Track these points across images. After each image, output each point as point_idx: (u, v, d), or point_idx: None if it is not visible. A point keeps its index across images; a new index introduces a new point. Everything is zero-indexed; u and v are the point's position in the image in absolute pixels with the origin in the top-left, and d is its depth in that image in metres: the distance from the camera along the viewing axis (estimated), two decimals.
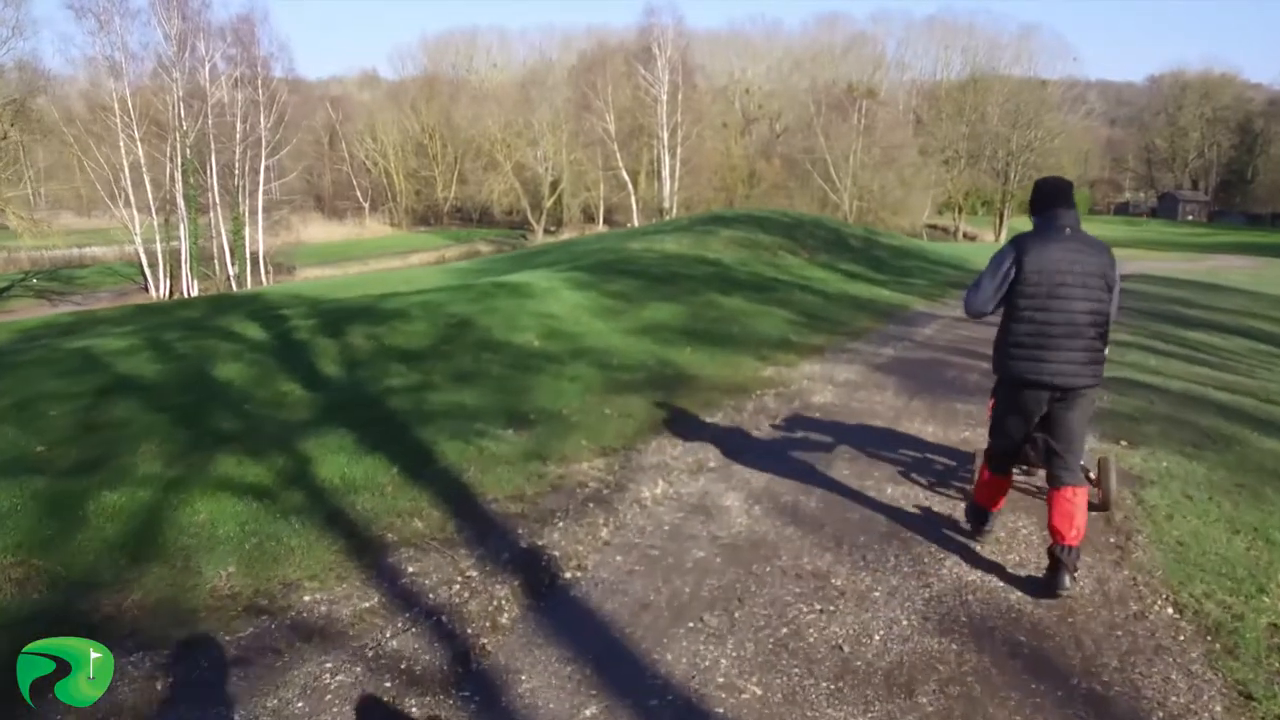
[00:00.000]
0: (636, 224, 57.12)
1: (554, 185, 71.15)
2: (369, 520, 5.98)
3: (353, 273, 53.88)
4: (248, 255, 51.21)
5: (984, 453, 5.55)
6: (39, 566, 5.47)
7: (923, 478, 6.84)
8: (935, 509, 6.19)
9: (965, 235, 73.10)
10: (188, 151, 48.78)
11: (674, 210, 59.56)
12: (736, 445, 7.65)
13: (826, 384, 9.98)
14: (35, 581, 5.29)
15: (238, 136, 50.26)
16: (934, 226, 71.31)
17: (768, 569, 5.19)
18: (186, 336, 12.15)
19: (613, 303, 13.75)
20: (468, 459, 7.12)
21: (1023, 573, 5.19)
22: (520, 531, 5.75)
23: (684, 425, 8.18)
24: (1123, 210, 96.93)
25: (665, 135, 61.03)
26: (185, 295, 48.44)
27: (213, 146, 49.31)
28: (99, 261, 59.55)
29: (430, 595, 4.95)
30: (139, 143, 47.43)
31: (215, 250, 51.22)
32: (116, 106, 46.71)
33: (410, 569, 5.27)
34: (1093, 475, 6.20)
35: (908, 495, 6.47)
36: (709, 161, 66.08)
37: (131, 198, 47.94)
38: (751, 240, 21.78)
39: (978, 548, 5.53)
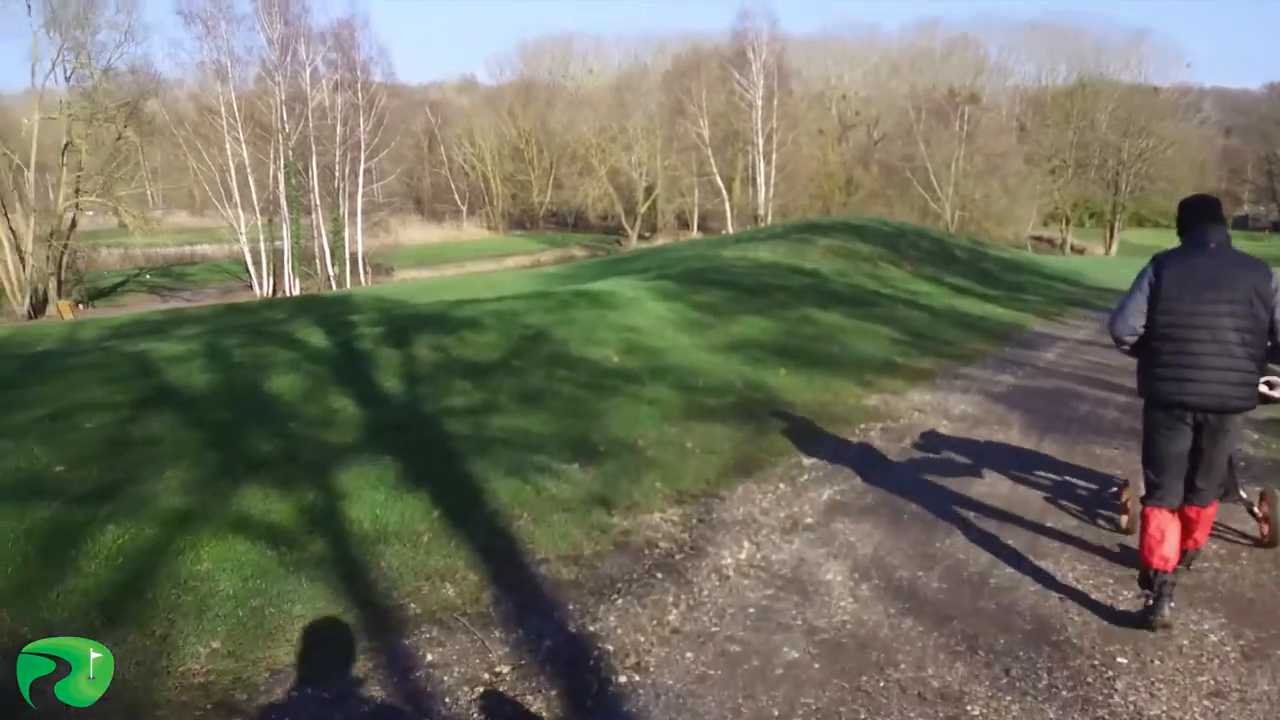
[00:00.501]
0: (731, 231, 55.82)
1: (648, 191, 70.15)
2: (394, 582, 4.93)
3: (449, 274, 53.91)
4: (347, 256, 51.43)
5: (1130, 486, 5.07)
6: (4, 623, 4.57)
7: (1072, 549, 5.46)
8: (1094, 595, 4.82)
9: (1073, 248, 69.69)
10: (290, 153, 49.20)
11: (769, 217, 58.01)
12: (838, 496, 6.37)
13: (940, 417, 8.58)
14: (15, 639, 4.39)
15: (338, 139, 50.49)
16: (1039, 239, 68.11)
17: (881, 683, 3.92)
18: (247, 343, 11.38)
19: (700, 315, 12.53)
20: (522, 502, 6.03)
21: (1223, 706, 3.83)
22: (570, 608, 4.61)
23: (776, 466, 6.92)
24: (1242, 224, 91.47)
25: (760, 141, 59.36)
26: (287, 294, 48.96)
27: (313, 149, 49.63)
28: (208, 259, 60.77)
29: (445, 700, 3.84)
30: (244, 145, 47.99)
31: (316, 250, 51.61)
32: (223, 109, 47.36)
33: (429, 657, 4.18)
34: (1258, 510, 5.47)
35: (1055, 574, 5.09)
36: (805, 168, 64.24)
37: (237, 198, 48.59)
38: (850, 250, 20.36)
39: (1157, 660, 4.17)
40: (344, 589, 4.82)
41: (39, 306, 43.76)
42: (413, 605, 4.67)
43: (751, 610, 4.59)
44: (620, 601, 4.68)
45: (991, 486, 6.58)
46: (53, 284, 44.72)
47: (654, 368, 9.89)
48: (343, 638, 4.34)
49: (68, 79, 45.93)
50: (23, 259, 43.82)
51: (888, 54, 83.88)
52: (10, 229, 43.77)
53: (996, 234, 55.26)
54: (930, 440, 7.76)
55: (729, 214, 61.28)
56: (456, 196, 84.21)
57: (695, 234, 64.07)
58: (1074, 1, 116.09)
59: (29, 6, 43.93)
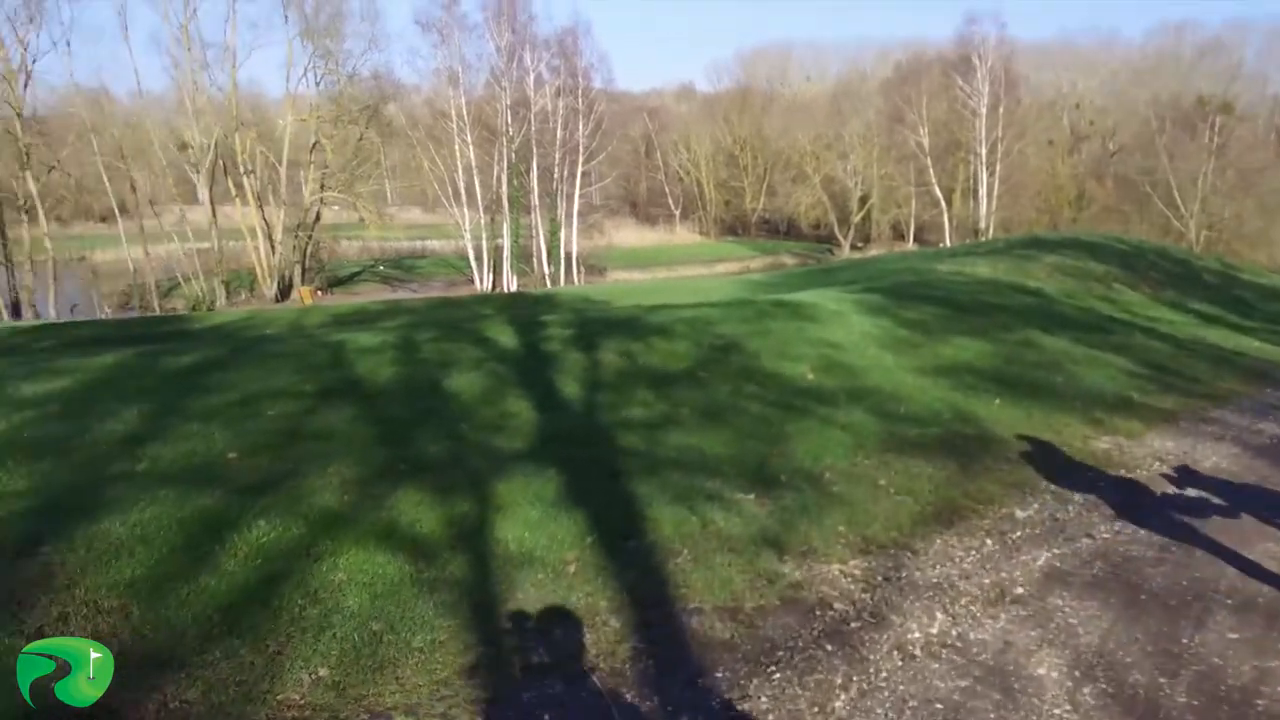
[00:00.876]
0: (948, 244, 53.08)
1: (863, 200, 67.96)
2: (527, 618, 4.36)
3: (659, 277, 54.17)
4: (562, 255, 52.53)
5: None
6: (130, 619, 4.33)
7: None
8: None
9: None
10: (513, 156, 50.73)
11: (990, 231, 54.76)
12: (1058, 562, 5.27)
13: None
14: (111, 639, 4.14)
15: (558, 143, 51.62)
16: None
17: None
18: (439, 338, 11.28)
19: (908, 333, 11.43)
20: (684, 535, 5.34)
21: None
22: (718, 676, 3.87)
23: (983, 518, 5.88)
24: None
25: (983, 151, 56.06)
26: (505, 289, 50.58)
27: (534, 151, 50.96)
28: (436, 254, 63.76)
29: None
30: (471, 146, 49.91)
31: (534, 249, 53.01)
32: (453, 113, 49.42)
33: (545, 717, 3.56)
34: None
35: None
36: (1031, 180, 60.21)
37: (464, 197, 50.59)
38: (1080, 269, 18.43)
39: None
40: (470, 622, 4.30)
41: (285, 291, 47.10)
42: (541, 651, 4.08)
43: (939, 706, 3.68)
44: (778, 676, 3.88)
45: (1254, 566, 5.28)
46: (297, 271, 48.03)
47: (852, 389, 8.97)
48: (450, 685, 3.79)
49: (318, 84, 49.31)
50: (273, 247, 47.34)
51: (1128, 60, 77.63)
52: (264, 219, 47.34)
53: (1249, 257, 49.72)
54: (1176, 498, 6.43)
55: (947, 226, 58.29)
56: (670, 201, 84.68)
57: (910, 246, 61.45)
58: None
59: (286, 18, 47.31)
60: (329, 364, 9.85)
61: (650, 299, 19.32)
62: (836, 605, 4.55)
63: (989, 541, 5.46)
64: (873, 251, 58.65)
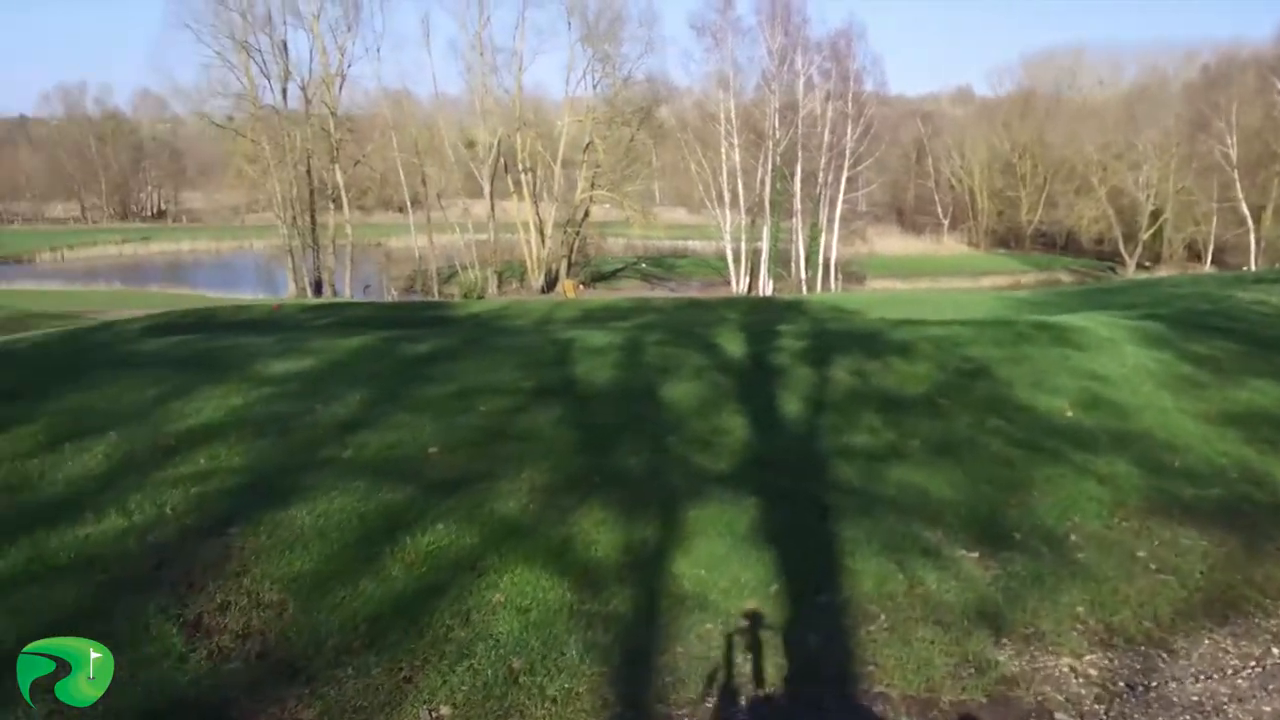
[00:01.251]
0: (1253, 268, 47.01)
1: (1154, 215, 61.57)
2: (679, 679, 3.77)
3: (920, 288, 51.78)
4: (820, 261, 51.29)
5: None
6: (282, 617, 4.14)
7: None
8: None
9: None
10: (778, 159, 50.04)
11: None
12: None
13: None
14: (259, 637, 3.95)
15: (824, 147, 50.36)
16: None
17: None
18: (666, 341, 10.90)
19: (1193, 370, 9.74)
20: (885, 597, 4.55)
21: None
22: None
23: (1270, 616, 4.58)
24: None
25: None
26: (759, 293, 50.15)
27: (800, 155, 50.00)
28: (697, 254, 64.29)
29: None
30: (737, 149, 49.72)
31: (792, 254, 52.09)
32: (721, 116, 49.40)
33: None
34: None
35: None
36: None
37: (726, 198, 50.55)
38: None
39: None
40: (617, 673, 3.77)
41: (551, 283, 48.96)
42: None
43: None
44: None
45: None
46: (564, 265, 49.81)
47: (1116, 432, 7.66)
48: None
49: (594, 86, 50.76)
50: (544, 241, 49.34)
51: None
52: (538, 215, 49.48)
53: None
54: None
55: (1253, 248, 51.54)
56: (939, 209, 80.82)
57: (1207, 268, 55.02)
58: None
59: (569, 24, 49.05)
60: (552, 361, 9.70)
61: (901, 311, 18.10)
62: (1059, 716, 3.61)
63: (1275, 651, 4.25)
64: (1161, 272, 52.86)
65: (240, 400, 7.76)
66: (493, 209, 47.72)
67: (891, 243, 74.09)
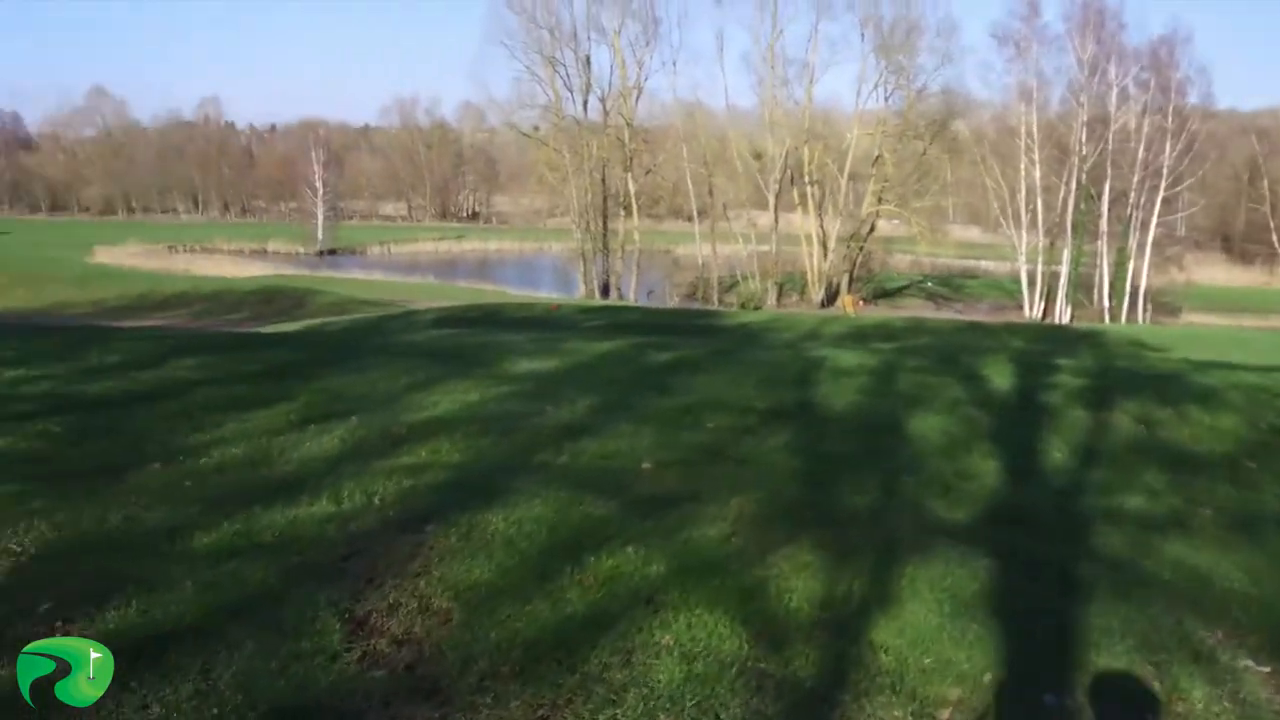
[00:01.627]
0: None
1: None
2: None
3: (1246, 325, 45.75)
4: (1127, 289, 46.56)
5: None
6: (445, 627, 3.94)
7: None
8: None
9: None
10: (1084, 177, 46.03)
11: None
12: None
13: None
14: (416, 646, 3.76)
15: (1138, 165, 45.62)
16: None
17: None
18: (925, 368, 10.02)
19: None
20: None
21: None
22: None
23: None
24: None
25: None
26: (1057, 320, 46.30)
27: (1109, 173, 45.65)
28: (989, 275, 60.66)
29: None
30: (1038, 165, 46.27)
31: (1096, 279, 47.71)
32: (1023, 130, 46.16)
33: None
34: None
35: None
36: None
37: (1024, 217, 47.27)
38: None
39: None
40: None
41: (831, 297, 47.91)
42: None
43: None
44: None
45: None
46: (845, 280, 48.54)
47: None
48: None
49: (886, 99, 49.09)
50: (826, 254, 48.38)
51: None
52: (821, 228, 48.58)
53: None
54: None
55: None
56: (1275, 238, 71.14)
57: None
58: None
59: (863, 35, 47.68)
60: (795, 380, 9.18)
61: (1213, 351, 15.85)
62: None
63: None
64: None
65: (477, 396, 7.87)
66: (776, 220, 47.45)
67: (1214, 272, 66.31)
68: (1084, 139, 45.74)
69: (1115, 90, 46.61)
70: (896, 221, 55.56)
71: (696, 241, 49.74)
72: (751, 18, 48.08)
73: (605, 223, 48.42)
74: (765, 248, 48.38)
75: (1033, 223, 47.38)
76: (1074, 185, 46.46)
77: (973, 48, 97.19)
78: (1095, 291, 47.47)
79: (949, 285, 57.98)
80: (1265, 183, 74.38)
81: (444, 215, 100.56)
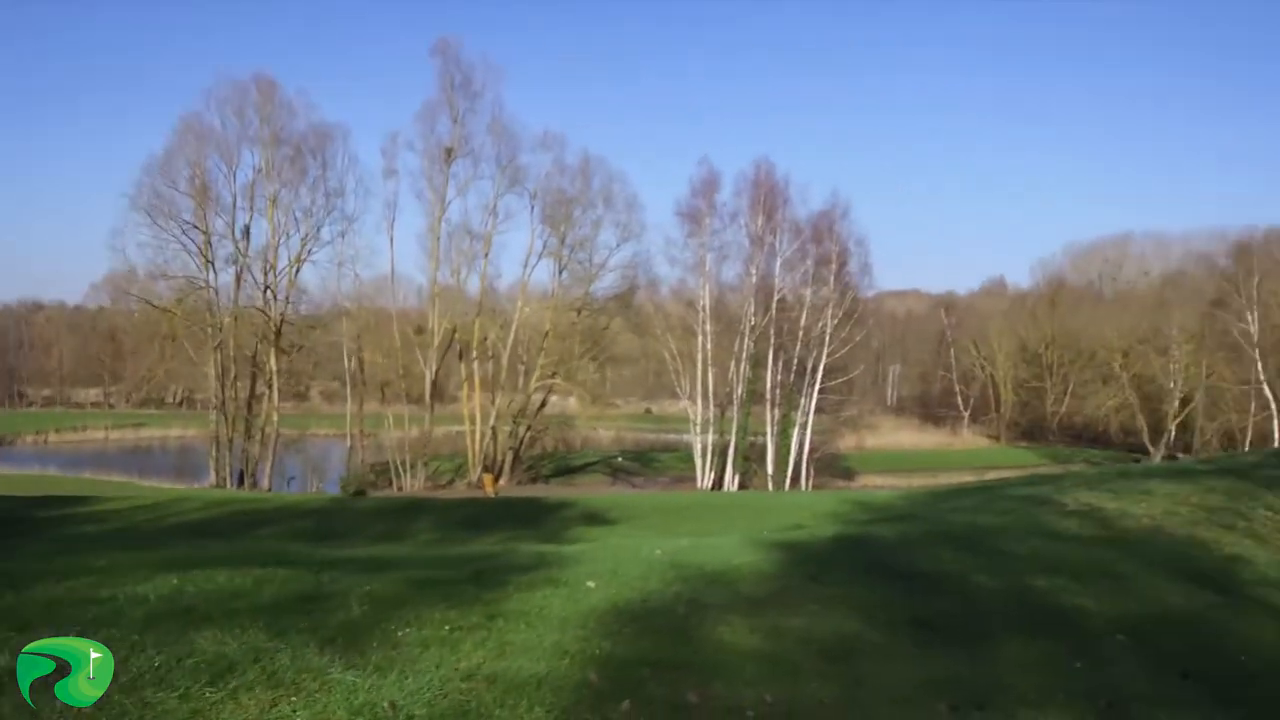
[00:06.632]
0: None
1: (1184, 402, 54.57)
2: None
3: (915, 484, 45.29)
4: (792, 455, 45.38)
5: None
6: None
7: None
8: None
9: None
10: (752, 346, 45.38)
11: None
12: None
13: None
14: None
15: (800, 334, 45.50)
16: None
17: None
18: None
19: None
20: None
21: None
22: None
23: None
24: None
25: None
26: (725, 489, 44.43)
27: (771, 341, 45.23)
28: (687, 447, 59.09)
29: None
30: (709, 337, 45.34)
31: (770, 448, 46.35)
32: (700, 302, 45.54)
33: None
34: None
35: None
36: None
37: (698, 388, 45.83)
38: None
39: None
40: None
41: (497, 476, 43.95)
42: None
43: None
44: None
45: None
46: (509, 458, 44.88)
47: None
48: None
49: (561, 271, 47.45)
50: (492, 433, 44.69)
51: None
52: (485, 405, 45.14)
53: None
54: None
55: (1277, 433, 43.80)
56: (960, 401, 74.60)
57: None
58: None
59: (532, 207, 46.18)
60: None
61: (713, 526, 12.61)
62: None
63: None
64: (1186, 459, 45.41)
65: None
66: (432, 400, 43.63)
67: (906, 436, 68.01)
68: (753, 310, 45.41)
69: (779, 260, 46.89)
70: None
71: (347, 423, 44.90)
72: (424, 190, 45.29)
73: (250, 405, 43.03)
74: (414, 432, 44.24)
75: (706, 393, 45.99)
76: (744, 355, 45.68)
77: (659, 225, 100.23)
78: (769, 460, 46.06)
79: (641, 460, 55.69)
80: (952, 353, 78.62)
81: (146, 402, 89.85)
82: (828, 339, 46.10)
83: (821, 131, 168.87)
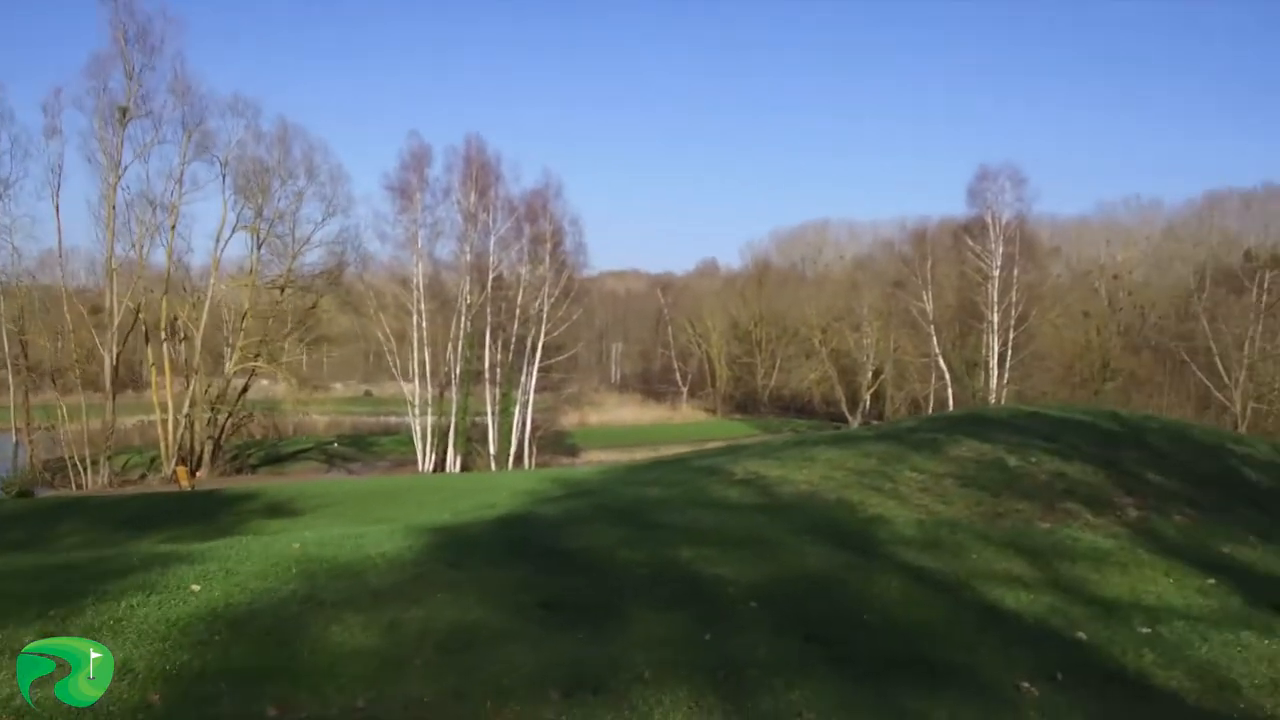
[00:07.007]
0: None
1: (876, 373, 59.88)
2: None
3: (639, 457, 46.23)
4: (514, 434, 45.01)
5: None
6: None
7: None
8: None
9: None
10: (469, 324, 44.35)
11: (1002, 404, 45.75)
12: None
13: None
14: None
15: (518, 312, 45.08)
16: None
17: None
18: None
19: None
20: None
21: None
22: None
23: None
24: None
25: (995, 317, 47.41)
26: (448, 470, 43.33)
27: (489, 321, 44.49)
28: (404, 430, 57.15)
29: None
30: (425, 315, 43.77)
31: (491, 427, 45.65)
32: (413, 281, 43.73)
33: None
34: None
35: None
36: (1055, 352, 51.28)
37: (414, 369, 44.17)
38: (1004, 473, 10.01)
39: None
40: None
41: (195, 468, 40.06)
42: None
43: None
44: None
45: None
46: (209, 449, 41.15)
47: None
48: None
49: (260, 246, 43.91)
50: (185, 422, 40.70)
51: (1173, 227, 69.86)
52: (181, 391, 41.06)
53: None
54: None
55: (950, 400, 49.03)
56: (678, 377, 77.67)
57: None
58: None
59: (224, 176, 42.32)
60: None
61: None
62: None
63: None
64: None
65: None
66: (113, 387, 39.02)
67: (629, 412, 69.74)
68: (468, 288, 44.30)
69: (494, 238, 46.08)
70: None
71: (11, 416, 39.18)
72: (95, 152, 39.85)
73: None
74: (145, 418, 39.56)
75: (424, 374, 44.45)
76: (461, 334, 44.56)
77: (369, 198, 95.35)
78: (489, 439, 45.37)
79: (359, 445, 53.16)
80: (670, 331, 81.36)
81: None
82: (545, 317, 46.07)
83: (535, 118, 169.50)
